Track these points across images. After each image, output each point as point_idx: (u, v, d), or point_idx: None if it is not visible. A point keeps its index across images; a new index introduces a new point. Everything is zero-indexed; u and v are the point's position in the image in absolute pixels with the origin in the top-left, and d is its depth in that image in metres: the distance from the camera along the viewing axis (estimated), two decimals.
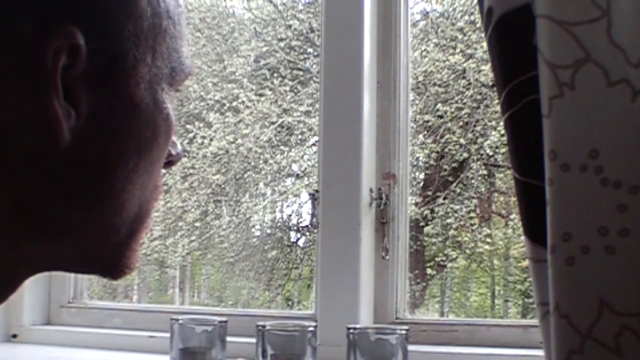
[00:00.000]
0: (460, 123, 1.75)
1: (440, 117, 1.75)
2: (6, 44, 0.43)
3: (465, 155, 1.78)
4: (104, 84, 0.46)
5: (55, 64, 0.44)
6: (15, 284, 0.49)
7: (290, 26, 1.99)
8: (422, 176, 1.85)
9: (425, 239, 1.83)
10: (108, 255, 0.51)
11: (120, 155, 0.48)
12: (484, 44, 1.46)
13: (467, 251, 1.90)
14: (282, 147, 1.95)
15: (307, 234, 2.01)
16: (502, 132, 1.49)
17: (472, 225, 1.81)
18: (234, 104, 1.95)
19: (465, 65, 1.75)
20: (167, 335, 1.12)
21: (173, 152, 0.55)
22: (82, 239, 0.49)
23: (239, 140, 1.93)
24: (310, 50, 2.01)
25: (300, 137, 1.95)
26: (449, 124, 1.74)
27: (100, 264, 0.52)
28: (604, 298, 0.79)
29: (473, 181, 1.80)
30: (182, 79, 0.53)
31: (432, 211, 1.77)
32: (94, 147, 0.47)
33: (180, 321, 1.11)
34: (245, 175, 1.98)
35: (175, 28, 0.51)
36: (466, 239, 1.84)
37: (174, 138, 0.54)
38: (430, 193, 1.79)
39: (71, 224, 0.47)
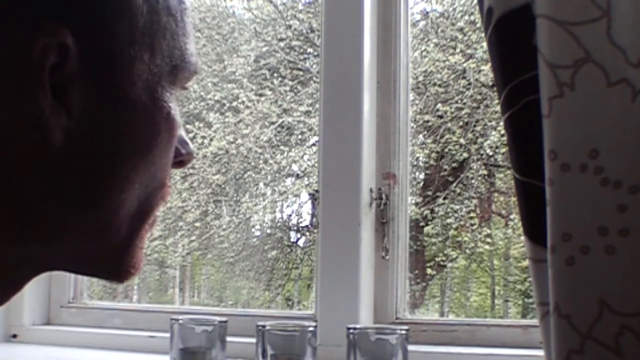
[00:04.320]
0: (460, 123, 1.75)
1: (440, 117, 1.75)
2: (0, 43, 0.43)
3: (465, 155, 1.78)
4: (98, 83, 0.46)
5: (42, 62, 0.43)
6: (18, 285, 0.49)
7: (290, 26, 1.99)
8: (422, 176, 1.84)
9: (425, 239, 1.83)
10: (111, 256, 0.51)
11: (116, 156, 0.48)
12: (484, 44, 1.45)
13: (467, 251, 1.90)
14: (282, 147, 1.94)
15: (307, 234, 2.01)
16: (502, 132, 1.48)
17: (472, 225, 1.81)
18: (234, 104, 1.95)
19: (465, 65, 1.75)
20: (167, 335, 1.12)
21: (183, 151, 0.54)
22: (81, 239, 0.49)
23: (239, 140, 1.93)
24: (310, 50, 2.01)
25: (300, 137, 1.95)
26: (449, 124, 1.74)
27: (104, 265, 0.51)
28: (604, 298, 0.79)
29: (473, 181, 1.80)
30: (187, 76, 0.52)
31: (432, 211, 1.77)
32: (89, 147, 0.46)
33: (180, 321, 1.11)
34: (245, 175, 1.98)
35: (177, 25, 0.50)
36: (466, 239, 1.84)
37: (184, 136, 0.54)
38: (430, 193, 1.79)
39: (67, 224, 0.47)
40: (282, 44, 1.99)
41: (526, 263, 1.04)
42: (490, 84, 1.69)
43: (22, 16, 0.44)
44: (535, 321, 1.08)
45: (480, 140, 1.74)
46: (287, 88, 1.95)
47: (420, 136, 1.78)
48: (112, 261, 0.51)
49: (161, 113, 0.49)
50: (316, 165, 1.46)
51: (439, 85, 1.76)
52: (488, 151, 1.75)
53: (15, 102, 0.44)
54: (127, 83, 0.47)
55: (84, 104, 0.45)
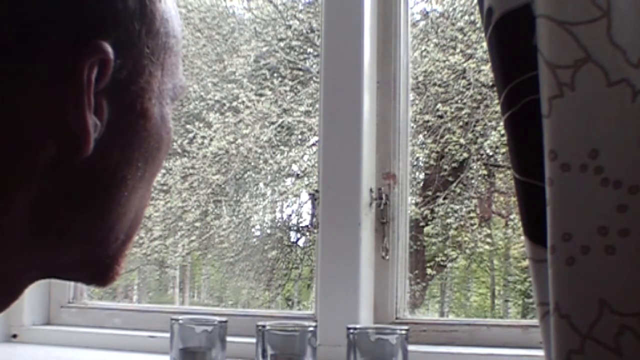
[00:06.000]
0: (460, 123, 1.75)
1: (440, 117, 1.75)
2: (42, 58, 0.44)
3: (465, 155, 1.78)
4: (122, 97, 0.48)
5: (89, 78, 0.44)
6: (17, 292, 0.49)
7: (290, 26, 1.99)
8: (422, 176, 1.84)
9: (425, 239, 1.83)
10: (104, 262, 0.52)
11: (130, 166, 0.49)
12: (484, 44, 1.46)
13: (467, 251, 1.90)
14: (282, 147, 1.94)
15: (307, 234, 2.01)
16: (502, 132, 1.49)
17: (472, 225, 1.81)
18: (234, 104, 1.94)
19: (465, 65, 1.75)
20: (167, 335, 1.12)
21: None
22: (86, 245, 0.50)
23: (239, 140, 1.93)
24: (310, 50, 2.01)
25: (300, 137, 1.95)
26: (449, 124, 1.74)
27: (94, 271, 0.53)
28: (604, 298, 0.79)
29: (473, 181, 1.80)
30: (180, 94, 0.55)
31: (432, 211, 1.77)
32: (107, 157, 0.47)
33: (180, 321, 1.11)
34: (245, 175, 1.98)
35: (177, 46, 0.53)
36: (466, 239, 1.84)
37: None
38: (430, 193, 1.79)
39: (77, 230, 0.48)
40: (282, 44, 1.99)
41: (526, 263, 1.04)
42: (490, 84, 1.69)
43: (70, 32, 0.45)
44: (535, 321, 1.08)
45: (480, 140, 1.74)
46: (287, 88, 1.95)
47: (420, 136, 1.78)
48: (103, 267, 0.52)
49: (165, 128, 0.52)
50: (316, 165, 1.46)
51: (439, 85, 1.76)
52: (488, 151, 1.75)
53: (60, 114, 0.44)
54: (146, 99, 0.49)
55: (108, 116, 0.47)
